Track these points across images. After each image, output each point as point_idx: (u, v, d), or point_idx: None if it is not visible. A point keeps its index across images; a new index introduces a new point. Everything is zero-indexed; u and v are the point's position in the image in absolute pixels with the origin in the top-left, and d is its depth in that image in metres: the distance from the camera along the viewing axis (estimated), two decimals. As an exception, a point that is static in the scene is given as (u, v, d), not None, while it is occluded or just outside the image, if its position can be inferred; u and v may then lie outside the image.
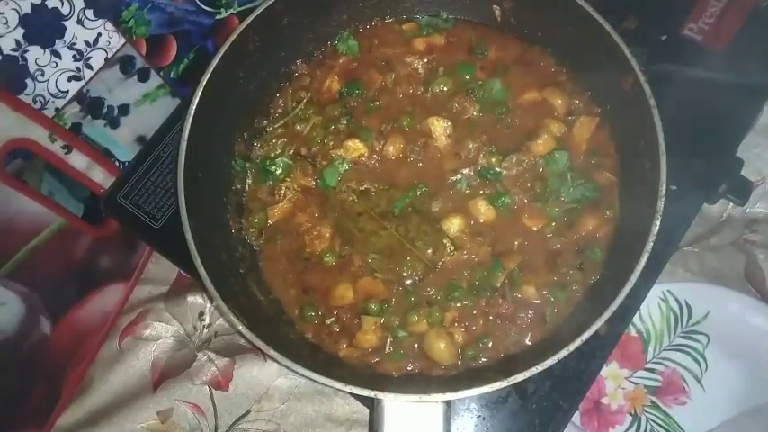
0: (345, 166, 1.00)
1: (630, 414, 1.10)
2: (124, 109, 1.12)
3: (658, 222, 0.82)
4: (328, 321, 0.93)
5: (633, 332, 1.12)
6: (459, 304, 0.92)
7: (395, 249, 0.95)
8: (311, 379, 0.78)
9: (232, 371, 1.12)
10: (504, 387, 0.78)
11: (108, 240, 1.17)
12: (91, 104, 1.05)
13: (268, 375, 1.11)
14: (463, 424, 0.97)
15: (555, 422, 0.96)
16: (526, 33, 1.07)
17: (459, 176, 0.98)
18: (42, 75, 0.94)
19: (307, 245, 0.97)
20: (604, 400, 1.10)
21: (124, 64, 1.06)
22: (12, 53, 0.89)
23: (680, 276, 1.15)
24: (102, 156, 1.11)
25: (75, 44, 0.96)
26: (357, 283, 0.94)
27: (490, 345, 0.90)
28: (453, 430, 0.91)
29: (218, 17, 1.15)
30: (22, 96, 0.93)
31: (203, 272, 0.83)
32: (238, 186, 1.02)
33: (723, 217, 1.19)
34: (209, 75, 0.92)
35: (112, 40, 1.01)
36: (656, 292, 1.10)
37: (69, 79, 0.98)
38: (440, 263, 0.94)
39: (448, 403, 0.81)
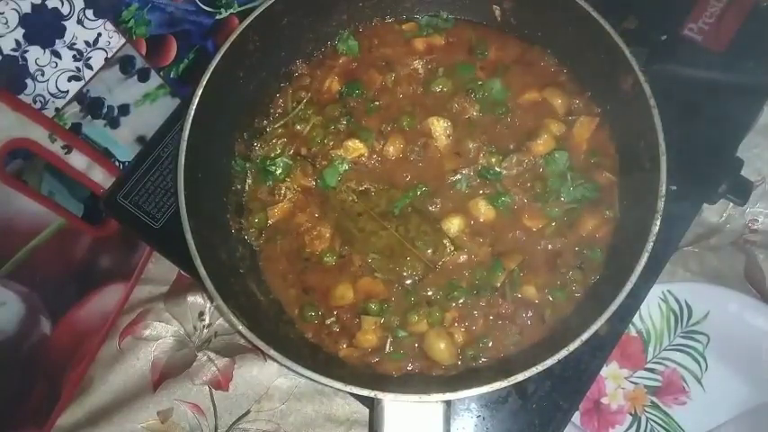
0: (345, 166, 1.00)
1: (630, 414, 1.10)
2: (124, 109, 1.12)
3: (658, 222, 0.82)
4: (328, 321, 0.93)
5: (633, 332, 1.12)
6: (459, 304, 0.92)
7: (395, 249, 0.95)
8: (311, 379, 0.78)
9: (232, 371, 1.12)
10: (504, 387, 0.78)
11: (108, 240, 1.17)
12: (91, 104, 1.05)
13: (268, 375, 1.11)
14: (463, 424, 0.97)
15: (555, 422, 0.96)
16: (526, 33, 1.07)
17: (459, 176, 0.98)
18: (42, 75, 0.94)
19: (307, 245, 0.97)
20: (604, 400, 1.10)
21: (124, 64, 1.06)
22: (12, 53, 0.89)
23: (680, 276, 1.15)
24: (102, 156, 1.11)
25: (75, 44, 0.96)
26: (357, 283, 0.94)
27: (490, 345, 0.90)
28: (453, 430, 0.91)
29: (218, 17, 1.15)
30: (22, 96, 0.93)
31: (203, 272, 0.83)
32: (238, 186, 1.02)
33: (723, 217, 1.19)
34: (209, 75, 0.92)
35: (112, 40, 1.01)
36: (656, 292, 1.10)
37: (69, 79, 0.98)
38: (440, 263, 0.94)
39: (448, 403, 0.81)
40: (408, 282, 0.94)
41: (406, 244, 0.94)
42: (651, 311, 1.12)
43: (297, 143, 1.03)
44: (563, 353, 0.78)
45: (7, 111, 0.91)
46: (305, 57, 1.09)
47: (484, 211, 0.96)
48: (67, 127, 1.03)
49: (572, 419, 1.00)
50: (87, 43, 0.98)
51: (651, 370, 1.11)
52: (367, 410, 1.04)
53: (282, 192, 1.01)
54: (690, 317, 1.11)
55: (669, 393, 1.10)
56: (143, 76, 1.12)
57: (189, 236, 0.84)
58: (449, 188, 0.98)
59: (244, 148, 1.03)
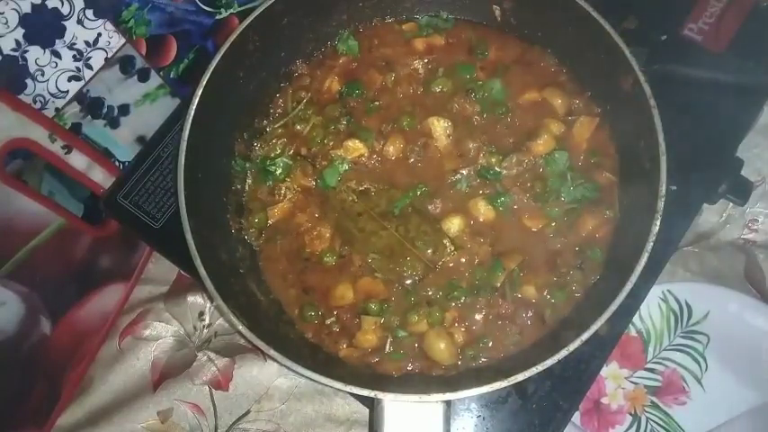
0: (345, 166, 1.00)
1: (630, 414, 1.10)
2: (124, 109, 1.12)
3: (658, 222, 0.82)
4: (328, 321, 0.93)
5: (633, 332, 1.12)
6: (459, 304, 0.92)
7: (395, 249, 0.95)
8: (311, 379, 0.78)
9: (232, 371, 1.12)
10: (504, 387, 0.78)
11: (108, 240, 1.17)
12: (91, 104, 1.05)
13: (268, 375, 1.11)
14: (463, 424, 0.97)
15: (555, 422, 0.96)
16: (526, 33, 1.07)
17: (459, 176, 0.98)
18: (42, 75, 0.94)
19: (307, 245, 0.97)
20: (604, 400, 1.10)
21: (124, 64, 1.06)
22: (12, 53, 0.89)
23: (680, 276, 1.15)
24: (102, 156, 1.11)
25: (75, 44, 0.96)
26: (357, 283, 0.94)
27: (490, 345, 0.90)
28: (453, 430, 0.91)
29: (218, 17, 1.15)
30: (22, 96, 0.93)
31: (203, 272, 0.83)
32: (238, 186, 1.02)
33: (723, 217, 1.19)
34: (209, 75, 0.92)
35: (112, 40, 1.01)
36: (656, 292, 1.10)
37: (69, 79, 0.98)
38: (440, 263, 0.94)
39: (448, 403, 0.81)
40: (408, 282, 0.94)
41: (406, 244, 0.94)
42: (651, 311, 1.12)
43: (297, 143, 1.03)
44: (563, 353, 0.78)
45: (7, 111, 0.91)
46: (305, 57, 1.09)
47: (484, 211, 0.96)
48: (67, 127, 1.03)
49: (572, 419, 1.00)
50: (87, 43, 0.98)
51: (651, 370, 1.11)
52: (367, 410, 1.04)
53: (282, 192, 1.01)
54: (690, 317, 1.11)
55: (669, 393, 1.10)
56: (143, 76, 1.12)
57: (189, 236, 0.84)
58: (449, 188, 0.98)
59: (244, 148, 1.03)
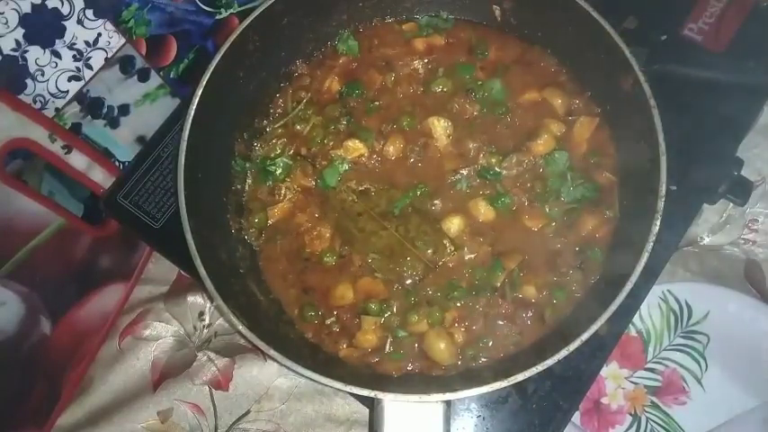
0: (345, 166, 1.00)
1: (630, 414, 1.10)
2: (124, 109, 1.12)
3: (658, 222, 0.82)
4: (328, 321, 0.93)
5: (633, 332, 1.12)
6: (459, 304, 0.92)
7: (395, 249, 0.95)
8: (311, 379, 0.78)
9: (232, 371, 1.12)
10: (504, 387, 0.78)
11: (108, 240, 1.17)
12: (91, 104, 1.05)
13: (268, 375, 1.11)
14: (463, 424, 0.97)
15: (555, 422, 0.96)
16: (526, 33, 1.07)
17: (459, 176, 0.98)
18: (42, 75, 0.94)
19: (307, 245, 0.97)
20: (604, 400, 1.10)
21: (124, 64, 1.06)
22: (12, 53, 0.89)
23: (680, 276, 1.15)
24: (102, 156, 1.11)
25: (75, 44, 0.96)
26: (357, 283, 0.94)
27: (490, 345, 0.90)
28: (453, 430, 0.91)
29: (218, 17, 1.15)
30: (22, 96, 0.93)
31: (203, 272, 0.83)
32: (238, 186, 1.02)
33: (723, 217, 1.19)
34: (209, 75, 0.92)
35: (112, 40, 1.01)
36: (656, 292, 1.10)
37: (69, 79, 0.98)
38: (440, 263, 0.94)
39: (448, 403, 0.81)
40: (408, 282, 0.94)
41: (406, 244, 0.94)
42: (651, 311, 1.12)
43: (297, 143, 1.03)
44: (563, 353, 0.78)
45: (7, 111, 0.91)
46: (305, 57, 1.09)
47: (484, 211, 0.96)
48: (67, 127, 1.03)
49: (572, 419, 1.00)
50: (87, 43, 0.98)
51: (651, 370, 1.11)
52: (367, 410, 1.04)
53: (282, 192, 1.01)
54: (690, 317, 1.11)
55: (669, 393, 1.10)
56: (143, 76, 1.12)
57: (189, 236, 0.84)
58: (449, 188, 0.98)
59: (244, 148, 1.03)
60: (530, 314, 0.91)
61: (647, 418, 1.09)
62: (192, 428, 1.10)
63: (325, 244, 0.97)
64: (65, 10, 0.92)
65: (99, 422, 1.11)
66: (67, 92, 0.99)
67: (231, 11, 1.16)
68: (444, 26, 1.10)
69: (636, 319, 1.11)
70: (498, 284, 0.92)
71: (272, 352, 0.79)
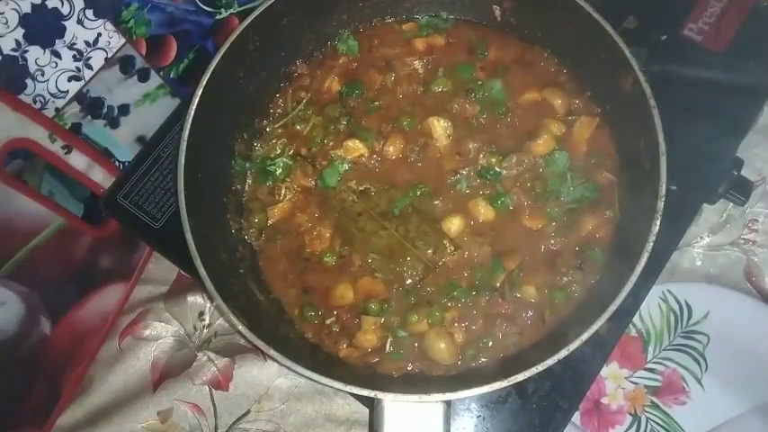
0: (345, 166, 1.00)
1: (630, 414, 1.10)
2: (124, 109, 1.12)
3: (658, 222, 0.82)
4: (328, 321, 0.93)
5: (633, 332, 1.12)
6: (459, 304, 0.92)
7: (395, 249, 0.95)
8: (311, 379, 0.78)
9: (232, 371, 1.12)
10: (504, 387, 0.78)
11: (108, 240, 1.17)
12: (91, 104, 1.05)
13: (268, 375, 1.11)
14: (463, 424, 0.97)
15: (555, 422, 0.96)
16: (526, 33, 1.07)
17: (459, 176, 0.98)
18: (42, 75, 0.94)
19: (307, 245, 0.97)
20: (604, 400, 1.10)
21: (124, 64, 1.06)
22: (12, 53, 0.89)
23: (680, 276, 1.15)
24: (102, 156, 1.11)
25: (75, 44, 0.96)
26: (357, 283, 0.94)
27: (490, 345, 0.90)
28: (453, 430, 0.91)
29: (218, 17, 1.15)
30: (22, 96, 0.93)
31: (203, 272, 0.83)
32: (238, 186, 1.02)
33: (723, 217, 1.19)
34: (209, 75, 0.92)
35: (112, 40, 1.01)
36: (656, 292, 1.10)
37: (69, 79, 0.98)
38: (440, 263, 0.94)
39: (448, 403, 0.81)
40: (408, 282, 0.94)
41: (406, 244, 0.94)
42: (651, 311, 1.12)
43: (297, 143, 1.03)
44: (563, 353, 0.78)
45: (7, 111, 0.91)
46: (305, 57, 1.09)
47: (484, 211, 0.96)
48: (67, 127, 1.03)
49: (572, 419, 1.00)
50: (87, 43, 0.98)
51: (651, 370, 1.11)
52: (367, 410, 1.04)
53: (282, 192, 1.01)
54: (690, 317, 1.11)
55: (669, 393, 1.10)
56: (143, 76, 1.12)
57: (189, 236, 0.84)
58: (449, 188, 0.98)
59: (244, 148, 1.03)
60: (530, 314, 0.91)
61: (647, 418, 1.09)
62: (192, 428, 1.10)
63: (325, 244, 0.97)
64: (65, 10, 0.92)
65: (99, 422, 1.11)
66: (67, 92, 0.99)
67: (231, 11, 1.16)
68: (444, 26, 1.10)
69: (636, 319, 1.11)
70: (498, 284, 0.92)
71: (272, 352, 0.79)
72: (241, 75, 1.00)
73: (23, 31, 0.88)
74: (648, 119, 0.87)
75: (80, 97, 1.02)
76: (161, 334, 1.17)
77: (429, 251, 0.94)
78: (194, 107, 0.90)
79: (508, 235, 0.96)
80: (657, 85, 0.88)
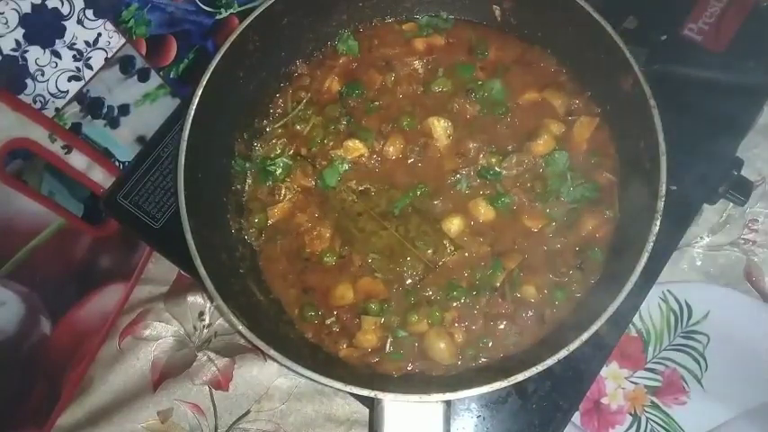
0: (345, 167, 1.00)
1: (630, 414, 1.10)
2: (124, 109, 1.12)
3: (658, 222, 0.82)
4: (328, 321, 0.93)
5: (633, 332, 1.11)
6: (458, 304, 0.92)
7: (395, 249, 0.95)
8: (311, 379, 0.78)
9: (232, 371, 1.12)
10: (504, 387, 0.78)
11: (108, 240, 1.17)
12: (91, 104, 1.05)
13: (268, 375, 1.11)
14: (463, 424, 0.97)
15: (555, 422, 0.96)
16: (526, 33, 1.07)
17: (459, 176, 0.98)
18: (42, 75, 0.94)
19: (307, 245, 0.97)
20: (604, 400, 1.10)
21: (124, 64, 1.06)
22: (12, 53, 0.89)
23: (680, 276, 1.15)
24: (102, 156, 1.11)
25: (75, 44, 0.96)
26: (357, 283, 0.94)
27: (490, 345, 0.90)
28: (453, 430, 0.91)
29: (218, 17, 1.15)
30: (22, 96, 0.93)
31: (203, 272, 0.83)
32: (238, 186, 1.02)
33: (723, 217, 1.19)
34: (209, 75, 0.92)
35: (112, 40, 1.01)
36: (656, 292, 1.10)
37: (69, 79, 0.98)
38: (440, 263, 0.94)
39: (448, 403, 0.81)
40: (408, 282, 0.94)
41: (406, 244, 0.94)
42: (651, 311, 1.11)
43: (297, 143, 1.03)
44: (563, 353, 0.78)
45: (7, 111, 0.91)
46: (305, 57, 1.09)
47: (484, 211, 0.96)
48: (67, 127, 1.03)
49: (572, 419, 1.00)
50: (87, 43, 0.98)
51: (651, 370, 1.11)
52: (367, 410, 1.04)
53: (282, 192, 1.01)
54: (690, 317, 1.11)
55: (669, 393, 1.09)
56: (143, 76, 1.12)
57: (189, 236, 0.84)
58: (449, 188, 0.98)
59: (244, 148, 1.03)
60: (530, 314, 0.91)
61: (647, 418, 1.09)
62: (192, 428, 1.10)
63: (325, 244, 0.97)
64: (65, 10, 0.92)
65: (99, 422, 1.11)
66: (67, 92, 0.99)
67: (231, 11, 1.16)
68: (444, 26, 1.10)
69: (636, 319, 1.10)
70: (498, 284, 0.92)
71: (272, 352, 0.79)
72: (241, 75, 1.00)
73: (23, 31, 0.88)
74: (648, 119, 0.87)
75: (80, 97, 1.02)
76: (161, 334, 1.17)
77: (429, 251, 0.94)
78: (194, 107, 0.90)
79: (508, 235, 0.96)
80: (657, 85, 0.88)
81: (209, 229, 0.91)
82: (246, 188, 1.03)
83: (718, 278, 1.15)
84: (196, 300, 1.18)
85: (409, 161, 1.00)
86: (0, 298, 0.97)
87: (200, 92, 0.91)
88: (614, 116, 0.99)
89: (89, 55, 0.99)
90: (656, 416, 1.09)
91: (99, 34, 0.99)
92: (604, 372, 1.10)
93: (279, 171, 1.01)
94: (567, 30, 0.99)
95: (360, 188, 0.99)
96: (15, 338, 1.01)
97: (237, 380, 1.12)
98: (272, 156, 1.02)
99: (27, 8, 0.87)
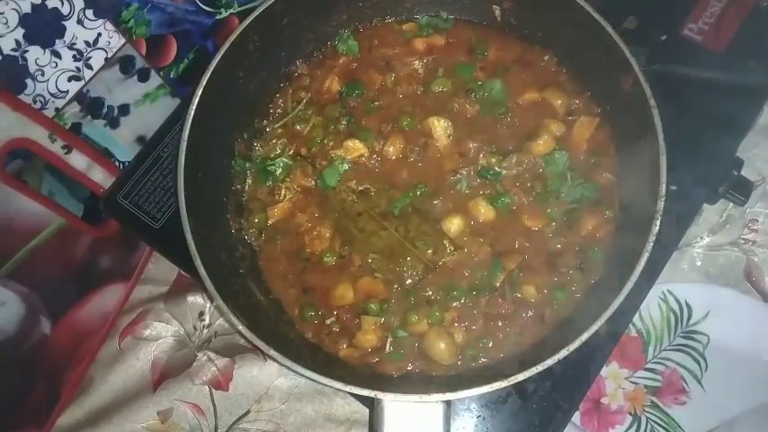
0: (345, 167, 1.00)
1: (630, 414, 1.10)
2: (124, 109, 1.12)
3: (658, 222, 0.82)
4: (328, 321, 0.93)
5: (633, 332, 1.12)
6: (458, 304, 0.92)
7: (395, 249, 0.95)
8: (311, 379, 0.78)
9: (232, 371, 1.12)
10: (504, 387, 0.78)
11: (108, 240, 1.17)
12: (91, 104, 1.05)
13: (268, 375, 1.11)
14: (463, 424, 0.97)
15: (555, 422, 0.96)
16: (526, 33, 1.07)
17: (459, 176, 0.98)
18: (42, 75, 0.94)
19: (307, 245, 0.97)
20: (604, 400, 1.10)
21: (124, 64, 1.06)
22: (12, 53, 0.89)
23: (680, 276, 1.15)
24: (102, 156, 1.11)
25: (75, 44, 0.96)
26: (357, 283, 0.94)
27: (490, 345, 0.90)
28: (453, 430, 0.91)
29: (218, 17, 1.15)
30: (22, 96, 0.93)
31: (203, 272, 0.83)
32: (238, 186, 1.02)
33: (723, 217, 1.19)
34: (209, 75, 0.92)
35: (112, 40, 1.01)
36: (656, 292, 1.10)
37: (69, 79, 0.98)
38: (440, 263, 0.94)
39: (448, 403, 0.81)
40: (408, 282, 0.94)
41: (406, 244, 0.94)
42: (651, 311, 1.12)
43: (297, 143, 1.03)
44: (563, 353, 0.78)
45: (7, 111, 0.91)
46: (305, 57, 1.09)
47: (484, 211, 0.96)
48: (67, 127, 1.03)
49: (572, 419, 1.00)
50: (87, 43, 0.98)
51: (651, 370, 1.11)
52: (367, 410, 1.04)
53: (282, 192, 1.01)
54: (690, 317, 1.11)
55: (669, 393, 1.10)
56: (143, 76, 1.12)
57: (189, 236, 0.84)
58: (449, 188, 0.98)
59: (244, 148, 1.03)
60: (530, 314, 0.91)
61: (647, 418, 1.09)
62: (192, 428, 1.10)
63: (325, 244, 0.97)
64: (65, 10, 0.92)
65: (99, 422, 1.11)
66: (67, 92, 0.99)
67: (231, 11, 1.16)
68: (444, 26, 1.10)
69: (636, 319, 1.11)
70: (498, 284, 0.92)
71: (272, 352, 0.79)
72: (241, 75, 1.00)
73: (23, 31, 0.88)
74: (648, 119, 0.87)
75: (80, 97, 1.02)
76: (161, 334, 1.17)
77: (429, 251, 0.94)
78: (194, 107, 0.90)
79: (508, 235, 0.96)
80: (657, 85, 0.88)
81: (209, 229, 0.91)
82: (246, 188, 1.03)
83: (718, 278, 1.15)
84: (196, 300, 1.18)
85: (409, 161, 1.00)
86: (0, 298, 0.97)
87: (200, 92, 0.91)
88: (614, 116, 0.99)
89: (89, 55, 0.99)
90: (656, 416, 1.09)
91: (99, 34, 0.99)
92: (604, 372, 1.10)
93: (279, 171, 1.01)
94: (567, 30, 0.99)
95: (360, 188, 0.99)
96: (15, 338, 1.01)
97: (237, 380, 1.12)
98: (272, 156, 1.02)
99: (27, 8, 0.87)
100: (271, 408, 1.10)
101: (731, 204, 1.17)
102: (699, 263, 1.17)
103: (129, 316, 1.19)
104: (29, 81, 0.93)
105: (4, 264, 0.96)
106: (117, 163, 1.16)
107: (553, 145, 0.98)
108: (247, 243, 0.99)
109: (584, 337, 0.79)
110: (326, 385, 0.79)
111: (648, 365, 1.11)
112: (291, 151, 1.03)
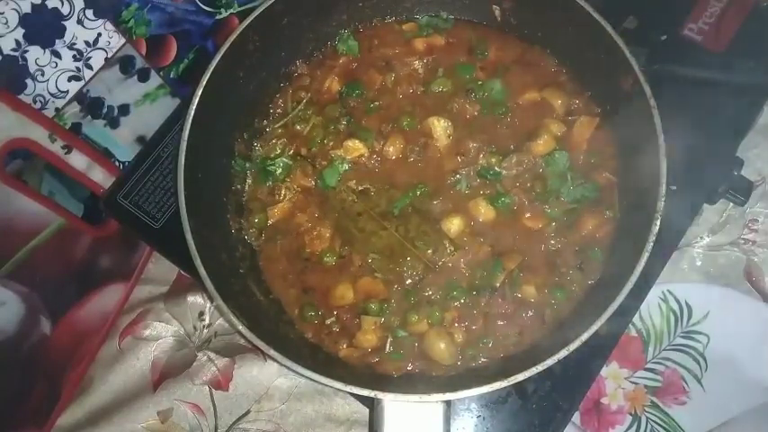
0: (345, 167, 1.00)
1: (630, 414, 1.10)
2: (124, 109, 1.12)
3: (658, 222, 0.82)
4: (328, 321, 0.93)
5: (633, 332, 1.11)
6: (458, 304, 0.92)
7: (395, 249, 0.95)
8: (311, 379, 0.78)
9: (232, 371, 1.12)
10: (504, 387, 0.78)
11: (108, 240, 1.17)
12: (91, 104, 1.05)
13: (268, 375, 1.11)
14: (463, 424, 0.97)
15: (555, 422, 0.96)
16: (526, 33, 1.07)
17: (459, 176, 0.98)
18: (42, 75, 0.94)
19: (307, 245, 0.97)
20: (604, 400, 1.10)
21: (124, 64, 1.06)
22: (12, 53, 0.89)
23: (680, 276, 1.15)
24: (102, 156, 1.11)
25: (75, 44, 0.96)
26: (357, 283, 0.94)
27: (490, 345, 0.90)
28: (453, 430, 0.91)
29: (218, 17, 1.15)
30: (22, 96, 0.93)
31: (203, 272, 0.83)
32: (238, 186, 1.02)
33: (723, 217, 1.19)
34: (209, 75, 0.92)
35: (112, 40, 1.01)
36: (656, 292, 1.10)
37: (69, 79, 0.98)
38: (440, 263, 0.94)
39: (448, 403, 0.81)
40: (408, 282, 0.94)
41: (406, 244, 0.94)
42: (651, 311, 1.11)
43: (297, 143, 1.03)
44: (563, 353, 0.78)
45: (7, 111, 0.91)
46: (305, 57, 1.09)
47: (484, 211, 0.96)
48: (67, 127, 1.03)
49: (572, 419, 1.00)
50: (87, 43, 0.98)
51: (651, 370, 1.11)
52: (367, 410, 1.04)
53: (282, 192, 1.01)
54: (690, 317, 1.11)
55: (669, 393, 1.10)
56: (143, 76, 1.12)
57: (189, 236, 0.84)
58: (449, 188, 0.98)
59: (244, 148, 1.03)
60: (530, 314, 0.91)
61: (647, 418, 1.09)
62: (192, 428, 1.10)
63: (325, 244, 0.97)
64: (65, 10, 0.92)
65: (99, 422, 1.11)
66: (67, 92, 0.99)
67: (231, 11, 1.16)
68: (444, 26, 1.10)
69: (636, 319, 1.10)
70: (498, 284, 0.92)
71: (272, 352, 0.79)
72: (241, 75, 1.00)
73: (23, 31, 0.88)
74: (648, 119, 0.87)
75: (80, 97, 1.02)
76: (161, 334, 1.17)
77: (429, 251, 0.94)
78: (194, 107, 0.90)
79: (508, 235, 0.96)
80: (657, 85, 0.88)
81: (209, 229, 0.91)
82: (246, 188, 1.03)
83: (718, 278, 1.15)
84: (196, 300, 1.18)
85: (409, 161, 1.00)
86: (0, 298, 0.97)
87: (200, 92, 0.91)
88: (614, 116, 0.99)
89: (89, 55, 0.99)
90: (656, 416, 1.09)
91: (99, 34, 0.99)
92: (604, 372, 1.10)
93: (279, 171, 1.01)
94: (567, 30, 0.99)
95: (360, 188, 0.99)
96: (15, 338, 1.01)
97: (237, 380, 1.12)
98: (272, 156, 1.02)
99: (27, 8, 0.87)
100: (271, 408, 1.10)
101: (731, 204, 1.16)
102: (699, 263, 1.17)
103: (129, 316, 1.19)
104: (29, 81, 0.93)
105: (4, 264, 0.96)
106: (117, 163, 1.16)
107: (553, 145, 0.98)
108: (247, 243, 0.99)
109: (584, 337, 0.79)
110: (326, 385, 0.79)
111: (648, 365, 1.11)
112: (291, 151, 1.03)
